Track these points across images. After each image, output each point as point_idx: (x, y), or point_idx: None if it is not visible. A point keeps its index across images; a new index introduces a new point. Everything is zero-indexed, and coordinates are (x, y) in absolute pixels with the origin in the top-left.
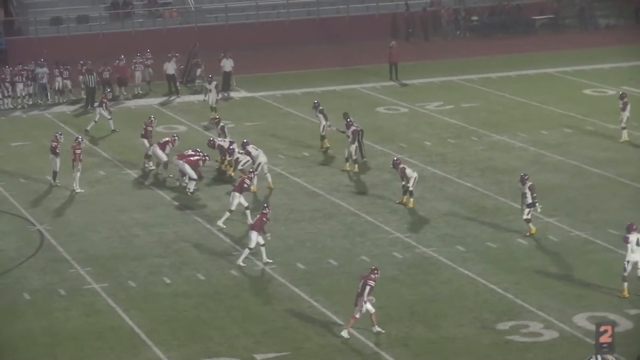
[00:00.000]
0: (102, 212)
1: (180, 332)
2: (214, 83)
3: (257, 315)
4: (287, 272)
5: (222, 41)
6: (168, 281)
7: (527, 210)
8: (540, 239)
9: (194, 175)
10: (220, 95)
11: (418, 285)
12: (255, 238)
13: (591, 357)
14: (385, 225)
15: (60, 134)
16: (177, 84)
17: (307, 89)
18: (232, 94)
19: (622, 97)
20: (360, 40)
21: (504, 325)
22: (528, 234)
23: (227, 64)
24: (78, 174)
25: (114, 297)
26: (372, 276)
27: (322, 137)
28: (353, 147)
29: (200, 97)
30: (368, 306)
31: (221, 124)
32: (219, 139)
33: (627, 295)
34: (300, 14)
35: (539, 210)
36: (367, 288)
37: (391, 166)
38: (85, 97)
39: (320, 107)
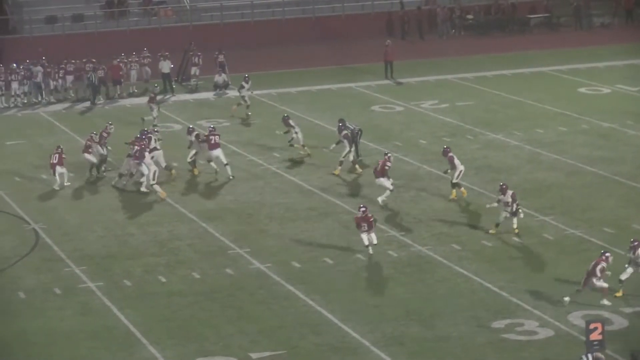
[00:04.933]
0: (97, 211)
1: (176, 331)
2: (251, 82)
3: (252, 314)
4: (282, 270)
5: (217, 40)
6: (163, 280)
7: (504, 216)
8: (536, 237)
9: (146, 171)
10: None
11: (413, 283)
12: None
13: (582, 357)
14: (381, 224)
15: (96, 134)
16: (173, 82)
17: (303, 88)
18: (228, 93)
19: None
20: (355, 39)
21: (499, 324)
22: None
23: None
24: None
25: (109, 296)
26: (604, 258)
27: (303, 146)
28: (350, 152)
29: (195, 95)
30: (602, 283)
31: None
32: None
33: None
34: (295, 12)
35: (521, 216)
36: (599, 267)
37: (442, 154)
38: (90, 94)
39: (290, 120)
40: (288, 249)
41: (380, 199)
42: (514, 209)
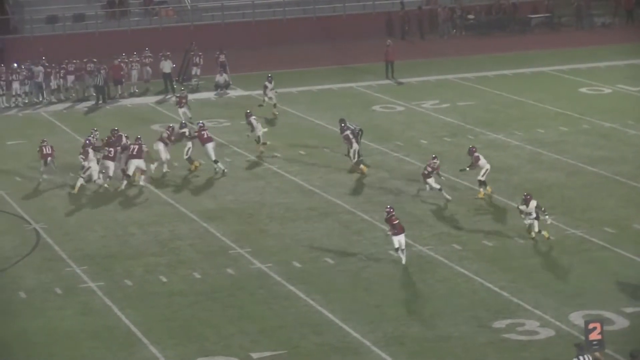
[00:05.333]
0: (98, 210)
1: (176, 331)
2: (273, 82)
3: (253, 314)
4: (283, 270)
5: (218, 40)
6: (164, 280)
7: (530, 223)
8: (536, 237)
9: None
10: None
11: (414, 283)
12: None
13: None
14: (382, 224)
15: (94, 137)
16: (174, 82)
17: (304, 88)
18: (229, 92)
19: None
20: (356, 39)
21: (500, 324)
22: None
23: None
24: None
25: (110, 296)
26: None
27: (263, 143)
28: (352, 151)
29: (196, 95)
30: None
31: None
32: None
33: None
34: (296, 12)
35: (548, 222)
36: None
37: (467, 154)
38: (95, 95)
39: (253, 116)
40: (289, 249)
41: (428, 187)
42: (538, 216)
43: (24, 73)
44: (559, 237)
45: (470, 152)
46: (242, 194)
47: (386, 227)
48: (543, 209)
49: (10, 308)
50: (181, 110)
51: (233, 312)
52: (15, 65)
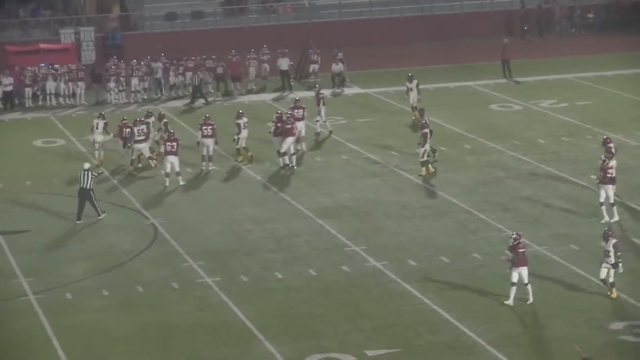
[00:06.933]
0: (215, 207)
1: (292, 327)
2: (415, 82)
3: (368, 312)
4: (398, 268)
5: (335, 38)
6: (280, 276)
7: (606, 269)
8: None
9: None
10: (420, 95)
11: (531, 283)
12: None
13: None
14: (498, 223)
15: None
16: (291, 79)
17: (420, 86)
18: (345, 90)
19: None
20: (472, 38)
21: (617, 325)
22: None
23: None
24: None
25: (227, 292)
26: None
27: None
28: (422, 150)
29: (312, 93)
30: None
31: None
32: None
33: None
34: (413, 10)
35: (620, 271)
36: None
37: (602, 144)
38: (191, 94)
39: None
40: (404, 247)
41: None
42: (615, 260)
43: (143, 69)
44: None
45: (605, 142)
46: (358, 191)
47: (509, 255)
48: (619, 253)
49: (128, 302)
50: (321, 109)
51: (348, 309)
52: (135, 61)
